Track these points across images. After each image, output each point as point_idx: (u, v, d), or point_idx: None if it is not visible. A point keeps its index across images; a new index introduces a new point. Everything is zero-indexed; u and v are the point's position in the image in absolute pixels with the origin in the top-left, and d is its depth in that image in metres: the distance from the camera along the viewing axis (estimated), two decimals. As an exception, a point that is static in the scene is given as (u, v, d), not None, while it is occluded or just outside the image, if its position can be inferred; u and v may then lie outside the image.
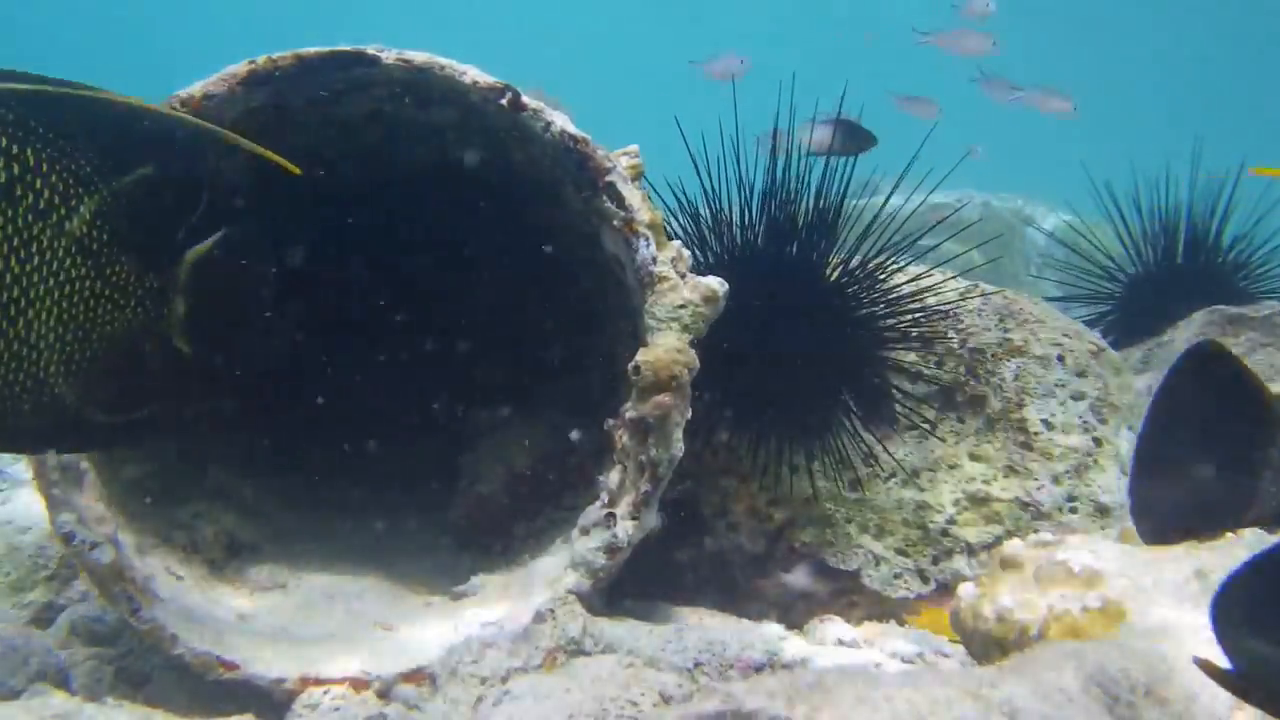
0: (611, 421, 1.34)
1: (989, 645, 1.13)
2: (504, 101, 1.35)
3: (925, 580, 1.54)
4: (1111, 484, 1.59)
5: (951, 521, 1.56)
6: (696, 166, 1.55)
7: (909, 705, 0.76)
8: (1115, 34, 16.44)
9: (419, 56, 1.35)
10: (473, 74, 1.35)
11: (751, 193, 1.56)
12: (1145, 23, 16.95)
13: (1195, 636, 0.89)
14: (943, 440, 1.62)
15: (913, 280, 1.61)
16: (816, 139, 1.62)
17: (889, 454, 1.58)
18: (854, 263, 1.58)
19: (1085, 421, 1.64)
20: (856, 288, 1.58)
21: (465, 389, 1.85)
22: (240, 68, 1.33)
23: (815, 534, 1.57)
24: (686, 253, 1.39)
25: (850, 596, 1.56)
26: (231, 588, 1.50)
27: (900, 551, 1.56)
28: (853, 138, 1.91)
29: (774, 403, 1.54)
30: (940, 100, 3.37)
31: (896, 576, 1.55)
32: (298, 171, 0.95)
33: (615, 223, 1.36)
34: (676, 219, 1.60)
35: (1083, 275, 2.62)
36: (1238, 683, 0.73)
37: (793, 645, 1.23)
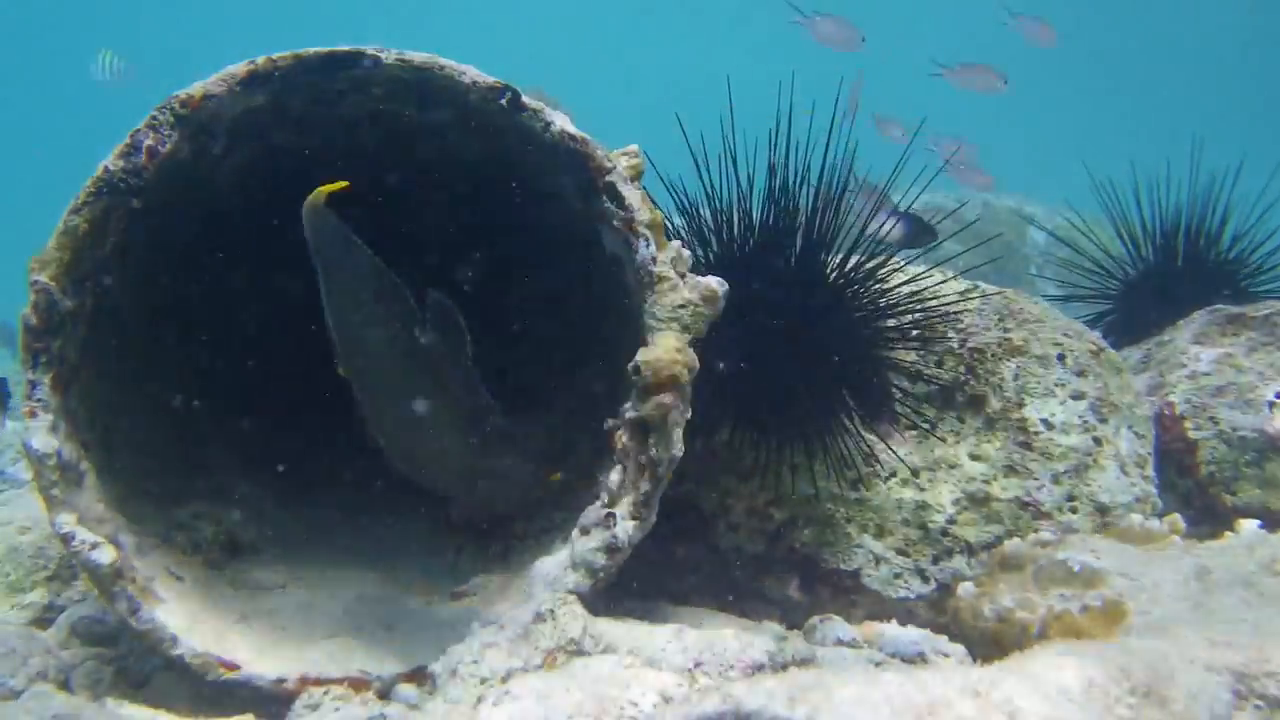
0: (612, 421, 1.34)
1: (989, 645, 1.13)
2: (504, 101, 1.35)
3: (925, 580, 1.54)
4: (1111, 484, 1.59)
5: (951, 521, 1.56)
6: (698, 166, 1.55)
7: (909, 705, 0.76)
8: (1115, 33, 16.44)
9: (418, 57, 1.35)
10: (472, 74, 1.35)
11: (752, 192, 1.56)
12: (1146, 21, 16.95)
13: (1196, 635, 0.89)
14: (942, 440, 1.62)
15: (913, 280, 1.61)
16: (888, 232, 1.74)
17: (893, 451, 1.58)
18: (854, 263, 1.58)
19: (1085, 421, 1.64)
20: (857, 288, 1.58)
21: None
22: (240, 68, 1.33)
23: (815, 534, 1.57)
24: (686, 253, 1.39)
25: (850, 596, 1.56)
26: (231, 588, 1.50)
27: (900, 551, 1.56)
28: (917, 233, 2.08)
29: (774, 402, 1.54)
30: (937, 101, 3.38)
31: (896, 576, 1.55)
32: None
33: (615, 223, 1.36)
34: (677, 219, 1.60)
35: (1083, 275, 2.62)
36: None
37: (793, 645, 1.23)
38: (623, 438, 1.32)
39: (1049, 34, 4.09)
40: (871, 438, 1.56)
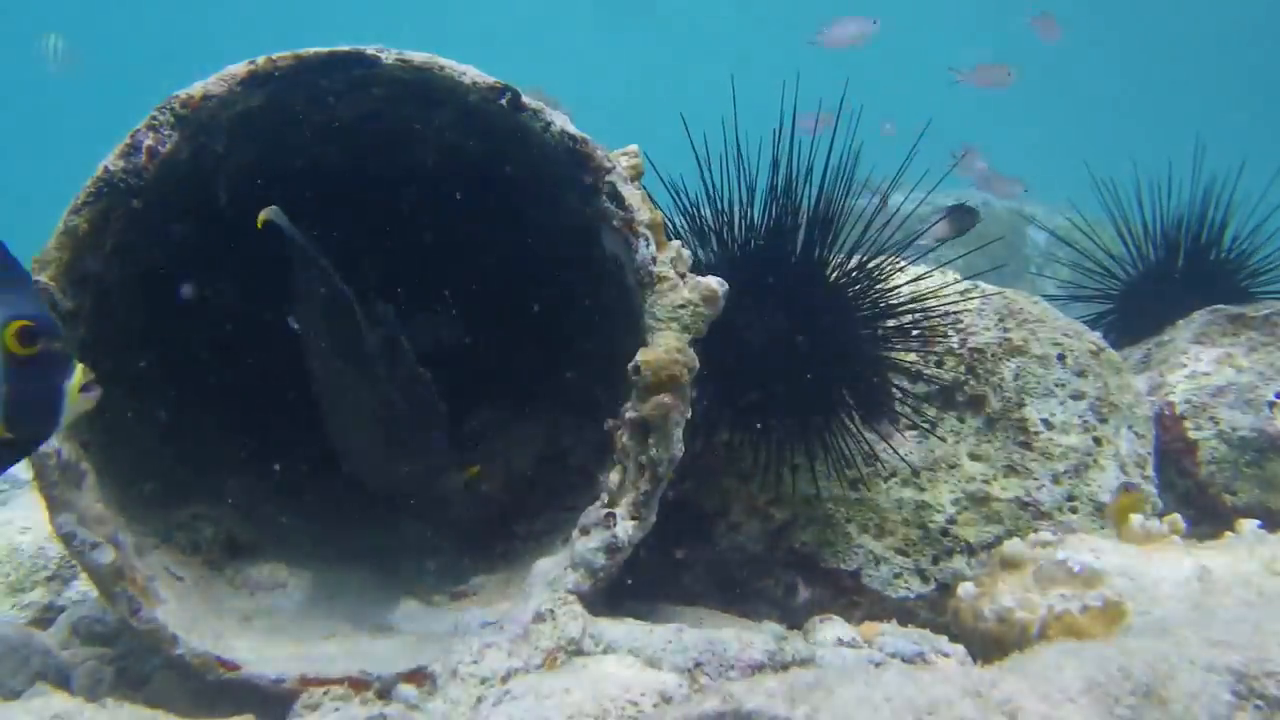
0: (611, 421, 1.34)
1: (989, 645, 1.13)
2: (504, 101, 1.35)
3: (925, 580, 1.54)
4: (1111, 483, 1.59)
5: (951, 521, 1.56)
6: (700, 166, 1.55)
7: (909, 705, 0.76)
8: (1116, 32, 16.45)
9: (418, 57, 1.35)
10: (472, 74, 1.35)
11: (754, 192, 1.56)
12: (1147, 21, 16.96)
13: (1196, 635, 0.89)
14: (943, 440, 1.62)
15: (913, 280, 1.61)
16: (939, 230, 1.85)
17: (894, 450, 1.57)
18: (855, 262, 1.58)
19: (1085, 421, 1.63)
20: (857, 287, 1.58)
21: (465, 389, 1.85)
22: (240, 68, 1.33)
23: (815, 534, 1.57)
24: (686, 252, 1.39)
25: (850, 596, 1.56)
26: (231, 588, 1.50)
27: (900, 551, 1.56)
28: (961, 219, 2.33)
29: (774, 402, 1.54)
30: (938, 102, 3.39)
31: (896, 576, 1.55)
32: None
33: (615, 222, 1.36)
34: (677, 218, 1.60)
35: (1084, 275, 2.62)
36: None
37: (793, 645, 1.23)
38: (623, 438, 1.32)
39: (1054, 29, 4.22)
40: (871, 437, 1.56)
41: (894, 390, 1.60)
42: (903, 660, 1.35)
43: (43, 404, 1.01)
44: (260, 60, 1.33)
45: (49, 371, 1.02)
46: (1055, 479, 1.59)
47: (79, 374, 1.04)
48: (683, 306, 1.33)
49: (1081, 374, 1.68)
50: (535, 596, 1.31)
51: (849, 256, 1.58)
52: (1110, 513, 1.54)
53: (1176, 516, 1.43)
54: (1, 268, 1.01)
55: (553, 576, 1.33)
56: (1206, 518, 1.79)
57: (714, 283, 1.35)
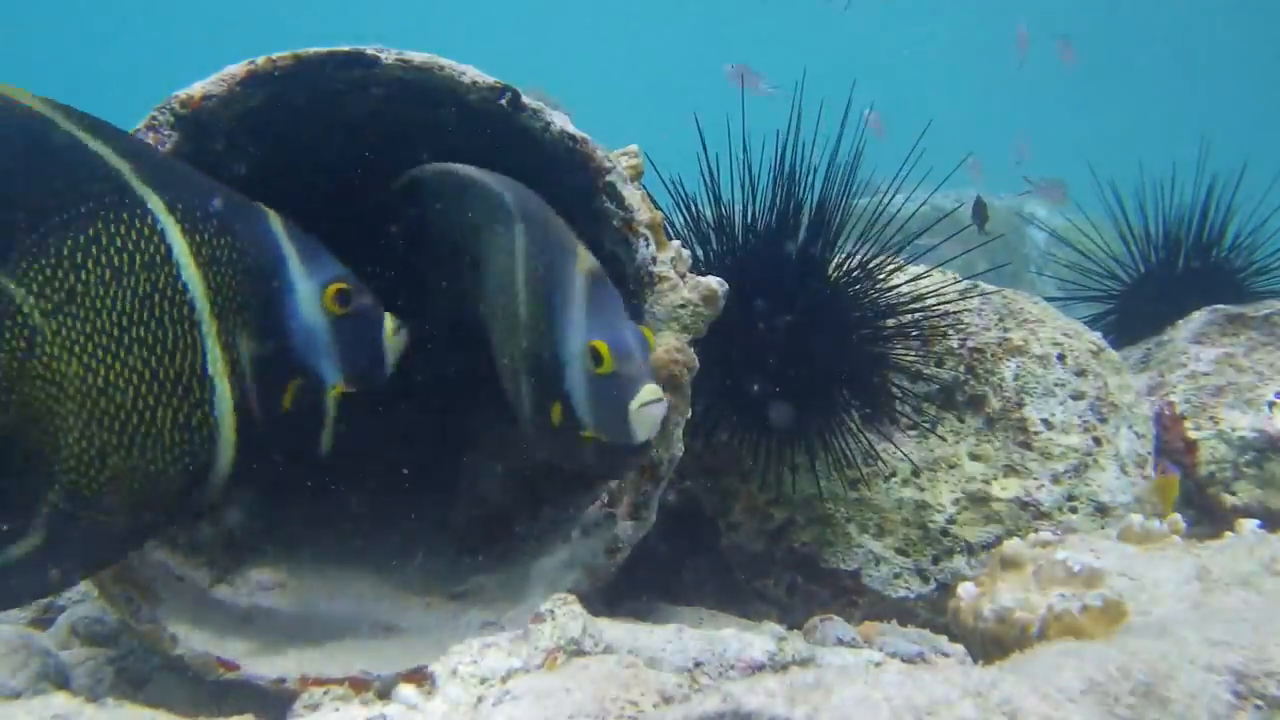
0: (612, 421, 1.34)
1: (989, 645, 1.13)
2: (503, 101, 1.35)
3: (925, 580, 1.54)
4: (1111, 483, 1.59)
5: (951, 521, 1.56)
6: (702, 166, 1.55)
7: (909, 705, 0.76)
8: (1117, 33, 16.46)
9: (418, 57, 1.35)
10: (472, 74, 1.35)
11: (755, 192, 1.57)
12: (1147, 21, 16.96)
13: (1196, 635, 0.89)
14: (943, 439, 1.62)
15: (913, 280, 1.61)
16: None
17: (898, 448, 1.58)
18: (855, 262, 1.58)
19: (1085, 421, 1.64)
20: (858, 287, 1.58)
21: (466, 389, 1.85)
22: (239, 68, 1.33)
23: (815, 534, 1.57)
24: (686, 252, 1.39)
25: (850, 596, 1.56)
26: (231, 588, 1.50)
27: (900, 551, 1.56)
28: (980, 210, 3.05)
29: (774, 402, 1.54)
30: (942, 103, 3.40)
31: (896, 576, 1.55)
32: None
33: (615, 223, 1.36)
34: (680, 214, 1.60)
35: (1084, 274, 2.62)
36: None
37: (793, 645, 1.23)
38: (623, 438, 1.32)
39: (1070, 52, 4.43)
40: (871, 437, 1.56)
41: (894, 390, 1.61)
42: (903, 660, 1.35)
43: (370, 355, 1.14)
44: (260, 60, 1.33)
45: (367, 325, 1.13)
46: (1055, 479, 1.59)
47: (389, 320, 1.14)
48: (683, 306, 1.33)
49: (1081, 374, 1.68)
50: (535, 596, 1.31)
51: (850, 255, 1.59)
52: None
53: (1176, 516, 1.43)
54: (297, 237, 1.07)
55: (553, 576, 1.34)
56: (1206, 518, 1.79)
57: (714, 283, 1.35)
